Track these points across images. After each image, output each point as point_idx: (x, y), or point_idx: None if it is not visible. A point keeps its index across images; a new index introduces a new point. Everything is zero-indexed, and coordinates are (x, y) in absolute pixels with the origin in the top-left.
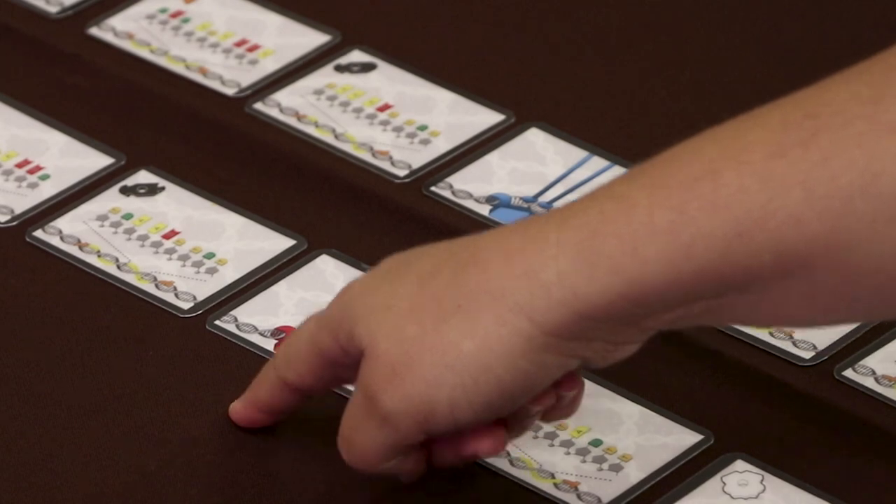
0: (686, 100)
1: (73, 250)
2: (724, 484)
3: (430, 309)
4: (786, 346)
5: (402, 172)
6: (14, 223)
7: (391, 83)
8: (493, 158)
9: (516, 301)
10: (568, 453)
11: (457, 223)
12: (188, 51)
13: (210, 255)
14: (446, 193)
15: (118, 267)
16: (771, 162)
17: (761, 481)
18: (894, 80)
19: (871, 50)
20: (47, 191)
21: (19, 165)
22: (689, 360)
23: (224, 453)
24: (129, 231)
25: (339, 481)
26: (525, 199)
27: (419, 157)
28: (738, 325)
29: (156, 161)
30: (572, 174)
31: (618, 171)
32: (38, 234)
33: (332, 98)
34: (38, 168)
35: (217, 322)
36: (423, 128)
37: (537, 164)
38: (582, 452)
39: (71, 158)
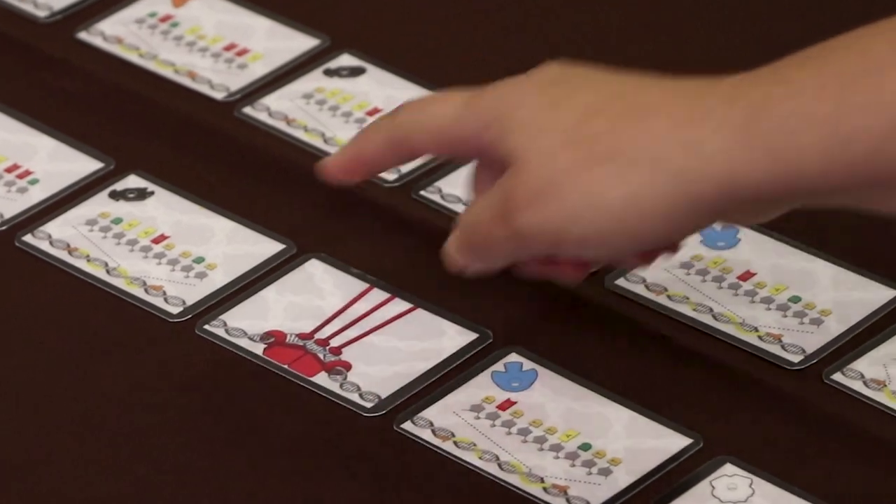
0: None
1: (63, 255)
2: (714, 488)
3: (586, 147)
4: (775, 349)
5: (391, 176)
6: (3, 228)
7: (380, 87)
8: None
9: (671, 166)
10: (557, 457)
11: (446, 227)
12: (177, 55)
13: (199, 260)
14: (435, 197)
15: (107, 271)
16: None
17: (750, 485)
18: None
19: None
20: (36, 195)
21: (8, 170)
22: (678, 364)
23: (215, 458)
24: (119, 235)
25: (327, 484)
26: None
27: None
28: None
29: (145, 165)
30: None
31: None
32: (28, 238)
33: (321, 102)
34: (28, 173)
35: (206, 326)
36: None
37: None
38: (571, 456)
39: (60, 163)
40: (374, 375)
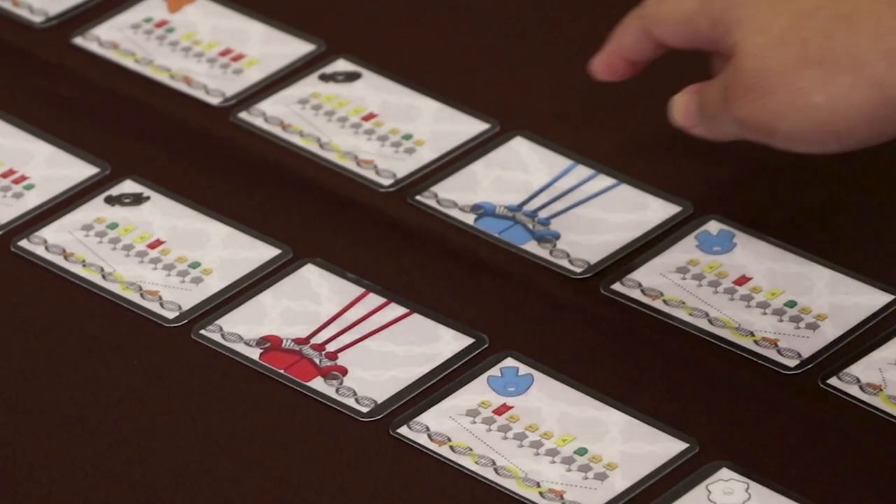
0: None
1: (59, 260)
2: (710, 492)
3: (796, 50)
4: (771, 354)
5: (386, 181)
6: None
7: (376, 92)
8: (477, 167)
9: (874, 73)
10: (553, 462)
11: (442, 232)
12: (173, 60)
13: (195, 265)
14: (431, 202)
15: (103, 276)
16: None
17: (746, 489)
18: None
19: None
20: (32, 200)
21: (4, 175)
22: (674, 368)
23: (210, 463)
24: (115, 240)
25: (323, 489)
26: (510, 208)
27: (404, 165)
28: None
29: (141, 170)
30: (557, 183)
31: (602, 179)
32: (23, 243)
33: (316, 107)
34: (23, 178)
35: (202, 331)
36: (407, 137)
37: (522, 172)
38: (567, 461)
39: (56, 168)
40: (370, 380)
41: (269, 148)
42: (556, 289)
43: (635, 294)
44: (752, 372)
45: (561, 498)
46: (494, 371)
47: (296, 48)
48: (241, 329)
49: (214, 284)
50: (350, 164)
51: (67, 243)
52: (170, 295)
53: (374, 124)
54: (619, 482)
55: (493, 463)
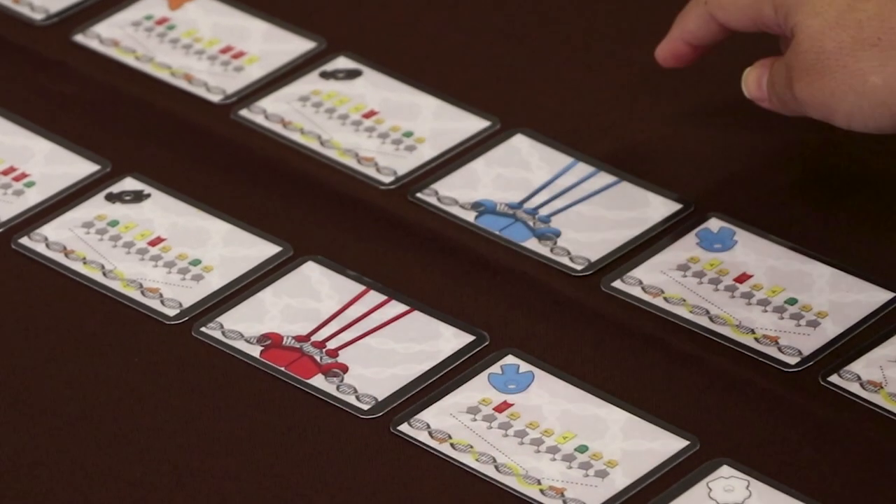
0: (670, 106)
1: (59, 257)
2: (710, 489)
3: (852, 32)
4: (771, 351)
5: (387, 179)
6: None
7: (376, 90)
8: (478, 165)
9: None
10: (554, 459)
11: (442, 229)
12: (173, 58)
13: (196, 262)
14: (432, 200)
15: (104, 274)
16: None
17: (747, 487)
18: None
19: None
20: (33, 198)
21: (5, 172)
22: (674, 366)
23: (211, 461)
24: (115, 238)
25: (324, 487)
26: (510, 206)
27: (404, 163)
28: None
29: (141, 168)
30: (557, 180)
31: (603, 176)
32: (24, 241)
33: (317, 105)
34: (24, 175)
35: (203, 329)
36: (408, 134)
37: (522, 170)
38: (568, 458)
39: (56, 165)
40: (371, 378)
41: (269, 145)
42: (557, 286)
43: (636, 291)
44: (752, 369)
45: (561, 495)
46: (495, 368)
47: (296, 46)
48: (242, 326)
49: (215, 282)
50: (351, 162)
51: (68, 241)
52: (170, 292)
53: (374, 122)
54: (620, 479)
55: (494, 460)
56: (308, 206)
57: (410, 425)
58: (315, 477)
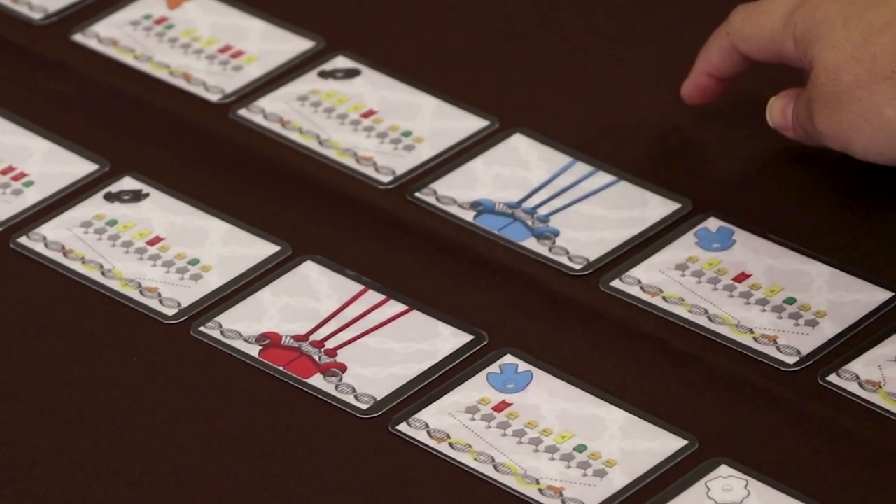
0: (669, 106)
1: (58, 257)
2: (709, 489)
3: (867, 65)
4: (770, 351)
5: (386, 178)
6: None
7: (375, 89)
8: (477, 164)
9: None
10: (552, 459)
11: (441, 229)
12: (172, 57)
13: (194, 262)
14: (430, 199)
15: (102, 273)
16: None
17: (745, 486)
18: None
19: None
20: (31, 197)
21: (3, 172)
22: (673, 365)
23: (209, 460)
24: (114, 237)
25: (322, 487)
26: (509, 205)
27: (403, 162)
28: None
29: (140, 167)
30: (556, 179)
31: (601, 176)
32: (23, 240)
33: (316, 104)
34: (23, 175)
35: (201, 328)
36: (407, 133)
37: (521, 169)
38: (566, 458)
39: (55, 165)
40: (370, 377)
41: (268, 145)
42: (556, 286)
43: (634, 291)
44: (751, 369)
45: (560, 495)
46: (494, 368)
47: (295, 45)
48: (241, 326)
49: (214, 281)
50: (349, 161)
51: (67, 240)
52: (169, 292)
53: (373, 121)
54: (619, 479)
55: (493, 460)
56: (307, 206)
57: (409, 425)
58: (313, 476)
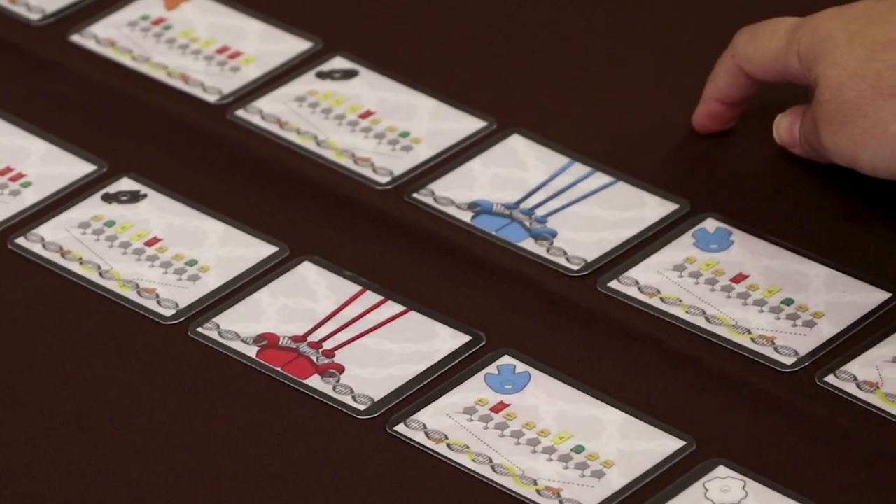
0: (667, 106)
1: (56, 257)
2: (707, 490)
3: (871, 82)
4: (768, 352)
5: (383, 179)
6: None
7: (373, 90)
8: (474, 165)
9: None
10: (550, 459)
11: (439, 230)
12: (170, 58)
13: (192, 263)
14: (428, 200)
15: (100, 274)
16: None
17: (743, 487)
18: None
19: None
20: (29, 198)
21: (1, 173)
22: (671, 366)
23: (207, 461)
24: (112, 238)
25: (320, 487)
26: (507, 206)
27: (401, 163)
28: None
29: (138, 168)
30: (554, 180)
31: (599, 177)
32: (21, 241)
33: (313, 105)
34: (20, 175)
35: (199, 329)
36: (404, 134)
37: (519, 170)
38: (564, 459)
39: (53, 166)
40: (367, 378)
41: (266, 146)
42: (554, 286)
43: (632, 292)
44: (749, 370)
45: (558, 495)
46: (491, 369)
47: (293, 46)
48: (238, 327)
49: (211, 282)
50: (347, 162)
51: (64, 241)
52: (167, 293)
53: (371, 122)
54: (616, 480)
55: (490, 461)
56: (304, 207)
57: (407, 426)
58: (311, 477)
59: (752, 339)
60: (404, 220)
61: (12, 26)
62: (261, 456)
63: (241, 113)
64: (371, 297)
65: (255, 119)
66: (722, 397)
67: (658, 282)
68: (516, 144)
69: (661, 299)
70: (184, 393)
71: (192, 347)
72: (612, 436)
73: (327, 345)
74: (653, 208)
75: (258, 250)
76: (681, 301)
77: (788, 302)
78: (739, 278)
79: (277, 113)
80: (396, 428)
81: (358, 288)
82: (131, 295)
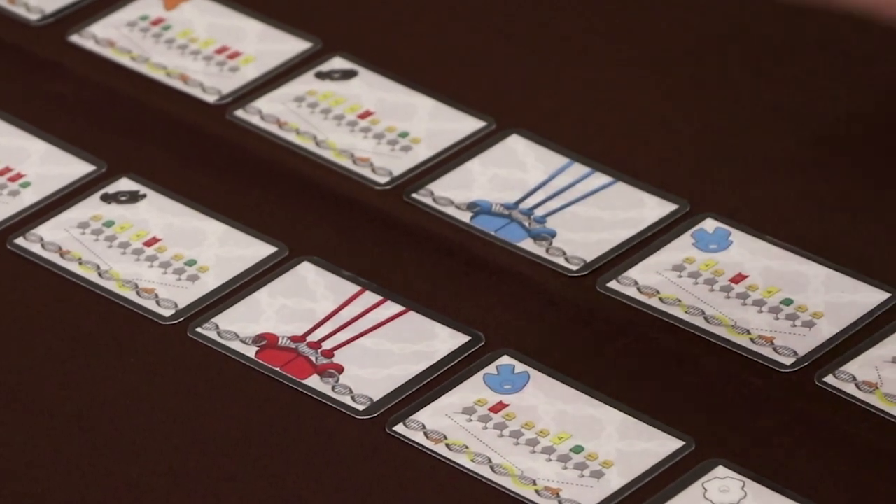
0: (667, 106)
1: (55, 258)
2: (706, 490)
3: None
4: (767, 352)
5: (383, 179)
6: None
7: (372, 90)
8: (473, 165)
9: None
10: (549, 460)
11: (438, 230)
12: (169, 58)
13: (191, 263)
14: (427, 200)
15: (99, 274)
16: None
17: (742, 487)
18: None
19: (856, 52)
20: (28, 198)
21: (0, 173)
22: (670, 366)
23: (206, 461)
24: (111, 238)
25: (319, 487)
26: (506, 206)
27: (400, 163)
28: None
29: (137, 168)
30: (553, 180)
31: (598, 177)
32: (20, 241)
33: (312, 105)
34: (20, 175)
35: (198, 329)
36: (403, 135)
37: (518, 170)
38: (563, 459)
39: (52, 166)
40: (367, 378)
41: (265, 146)
42: (553, 286)
43: (631, 292)
44: (748, 370)
45: (557, 496)
46: (490, 369)
47: (292, 46)
48: (237, 327)
49: (210, 282)
50: (346, 162)
51: (63, 241)
52: (166, 293)
53: (370, 122)
54: (615, 480)
55: (490, 461)
56: (304, 207)
57: (406, 426)
58: (310, 477)
59: (752, 340)
60: (403, 221)
61: (11, 26)
62: (260, 456)
63: (240, 113)
64: (370, 298)
65: (255, 119)
66: (721, 398)
67: (657, 282)
68: (515, 144)
69: (661, 299)
70: (183, 393)
71: (191, 347)
72: (612, 436)
73: (326, 345)
74: (652, 208)
75: (257, 250)
76: (680, 301)
77: (787, 302)
78: (738, 278)
79: (276, 113)
80: (395, 428)
81: (357, 288)
82: (130, 295)
